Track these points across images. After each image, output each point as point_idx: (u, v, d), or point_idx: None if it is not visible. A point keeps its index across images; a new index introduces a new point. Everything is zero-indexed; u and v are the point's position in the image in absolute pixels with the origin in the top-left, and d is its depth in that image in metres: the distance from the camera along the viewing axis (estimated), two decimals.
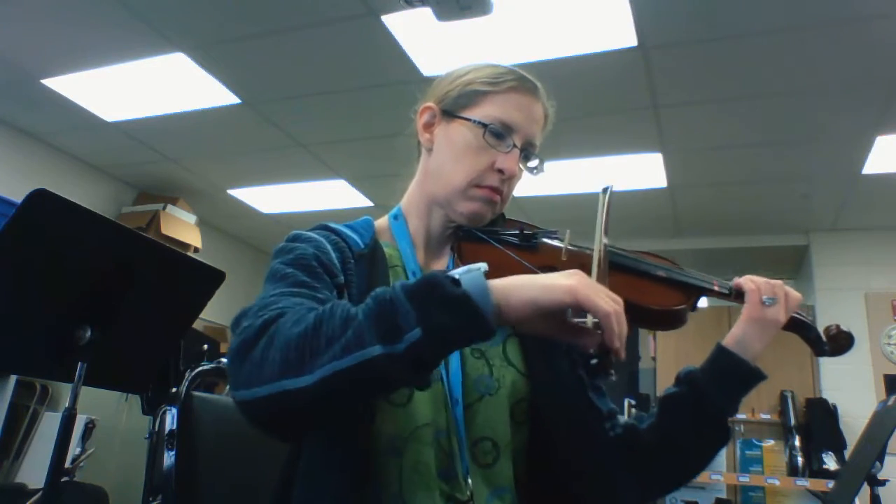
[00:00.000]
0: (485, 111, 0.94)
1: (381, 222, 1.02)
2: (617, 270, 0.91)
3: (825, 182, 4.03)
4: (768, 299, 0.91)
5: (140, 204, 4.86)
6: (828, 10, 2.54)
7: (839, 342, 0.96)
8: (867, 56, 2.77)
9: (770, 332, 0.91)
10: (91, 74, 3.40)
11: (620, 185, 4.22)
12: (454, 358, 0.87)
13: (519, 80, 0.96)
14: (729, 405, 0.91)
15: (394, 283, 0.69)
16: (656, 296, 0.92)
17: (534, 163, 0.98)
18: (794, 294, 0.93)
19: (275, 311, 0.71)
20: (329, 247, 0.89)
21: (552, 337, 0.74)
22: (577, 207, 4.01)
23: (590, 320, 0.70)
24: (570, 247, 0.95)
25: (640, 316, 0.91)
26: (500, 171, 0.92)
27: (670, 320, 0.92)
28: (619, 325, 0.67)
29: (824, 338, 0.96)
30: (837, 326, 0.96)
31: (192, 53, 3.15)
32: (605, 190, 0.89)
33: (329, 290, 0.83)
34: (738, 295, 0.94)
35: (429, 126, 0.99)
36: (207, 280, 1.49)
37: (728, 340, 0.92)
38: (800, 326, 0.96)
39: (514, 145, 0.93)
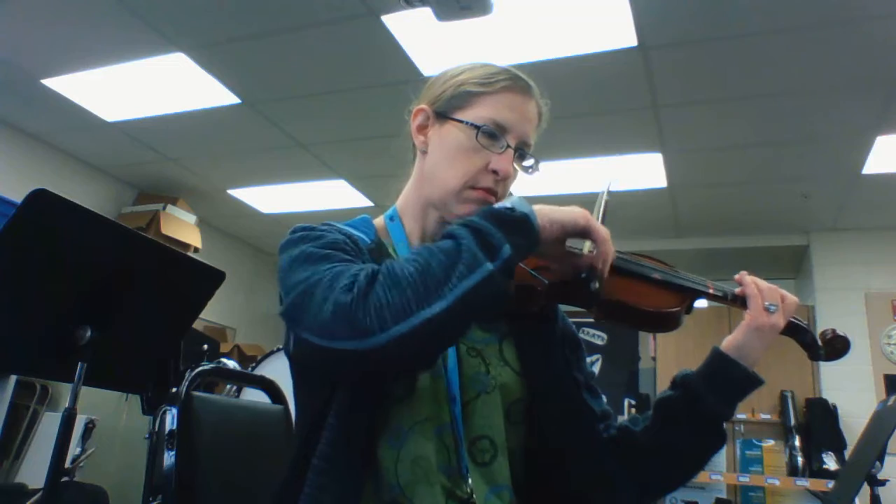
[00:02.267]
0: (477, 112, 0.93)
1: (378, 222, 1.02)
2: (612, 272, 0.91)
3: (825, 182, 4.03)
4: (772, 305, 0.90)
5: (140, 204, 4.86)
6: (828, 10, 2.54)
7: (835, 346, 0.95)
8: (867, 56, 2.77)
9: (770, 338, 0.91)
10: (91, 74, 3.40)
11: (620, 185, 4.22)
12: (451, 356, 0.88)
13: (512, 80, 0.95)
14: (726, 411, 0.91)
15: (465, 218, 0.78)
16: (652, 298, 0.92)
17: (529, 162, 0.97)
18: (792, 298, 0.93)
19: (368, 269, 0.74)
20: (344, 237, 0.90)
21: (554, 262, 0.87)
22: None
23: (586, 248, 0.84)
24: (568, 247, 0.96)
25: (635, 318, 0.92)
26: (495, 172, 0.92)
27: (665, 322, 0.93)
28: (610, 249, 0.84)
29: (820, 342, 0.96)
30: (833, 331, 0.95)
31: (192, 53, 3.15)
32: (606, 188, 0.91)
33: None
34: (735, 299, 0.94)
35: (423, 128, 0.99)
36: (207, 280, 1.49)
37: (727, 346, 0.92)
38: (795, 330, 0.95)
39: (508, 145, 0.93)
